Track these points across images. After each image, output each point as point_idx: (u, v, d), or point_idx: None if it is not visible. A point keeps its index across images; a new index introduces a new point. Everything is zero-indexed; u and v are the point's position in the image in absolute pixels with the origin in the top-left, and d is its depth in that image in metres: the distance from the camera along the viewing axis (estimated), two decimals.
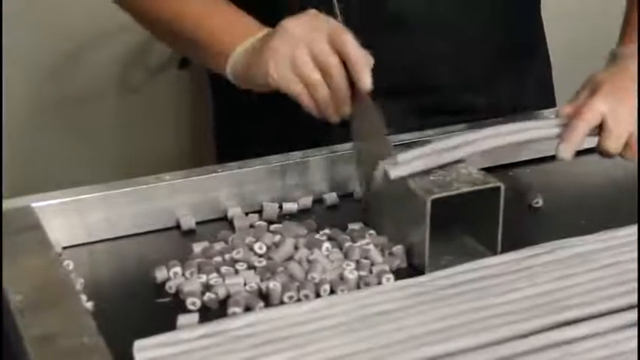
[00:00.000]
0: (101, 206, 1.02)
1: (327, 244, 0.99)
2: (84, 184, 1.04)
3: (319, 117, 1.04)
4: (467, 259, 0.97)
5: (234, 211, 1.07)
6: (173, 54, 1.64)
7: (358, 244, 0.99)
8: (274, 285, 0.92)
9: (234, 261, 0.97)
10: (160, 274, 0.96)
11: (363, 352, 0.84)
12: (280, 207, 1.08)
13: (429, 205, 0.94)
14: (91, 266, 1.00)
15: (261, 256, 0.98)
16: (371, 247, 0.98)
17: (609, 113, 1.04)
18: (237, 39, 1.09)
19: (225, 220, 1.07)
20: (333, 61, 1.00)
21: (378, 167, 1.01)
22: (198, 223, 1.06)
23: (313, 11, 1.04)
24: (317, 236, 1.01)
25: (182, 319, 0.89)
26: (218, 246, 1.00)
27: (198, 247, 1.00)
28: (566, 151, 1.03)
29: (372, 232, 1.01)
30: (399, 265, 0.98)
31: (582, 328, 0.86)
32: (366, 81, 1.00)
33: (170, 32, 1.17)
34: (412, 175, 0.98)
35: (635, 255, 0.97)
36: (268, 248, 0.99)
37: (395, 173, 0.98)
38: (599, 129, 1.04)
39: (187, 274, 0.95)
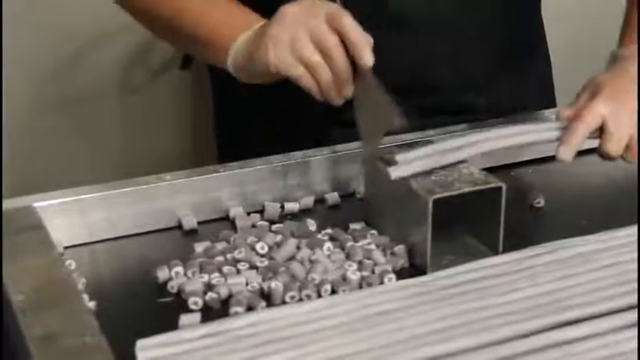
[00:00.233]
0: (103, 206, 1.02)
1: (328, 244, 0.99)
2: (85, 185, 1.04)
3: (322, 99, 1.03)
4: (468, 259, 0.97)
5: (236, 211, 1.07)
6: (175, 54, 1.64)
7: (360, 244, 0.99)
8: (276, 285, 0.92)
9: (236, 261, 0.97)
10: (162, 273, 0.96)
11: (364, 351, 0.84)
12: (282, 207, 1.08)
13: (430, 205, 0.94)
14: (92, 266, 1.00)
15: (262, 255, 0.98)
16: (373, 247, 0.99)
17: (610, 116, 1.04)
18: (237, 31, 1.08)
19: (226, 220, 1.07)
20: (333, 42, 1.00)
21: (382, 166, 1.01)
22: (199, 223, 1.06)
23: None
24: (319, 236, 1.01)
25: (184, 319, 0.89)
26: (220, 246, 1.00)
27: (200, 247, 1.00)
28: (566, 154, 1.03)
29: (373, 232, 1.02)
30: (403, 265, 0.98)
31: (583, 328, 0.86)
32: (367, 59, 1.00)
33: (170, 29, 1.17)
34: (414, 175, 0.99)
35: (636, 255, 0.97)
36: (270, 248, 0.99)
37: (396, 174, 0.99)
38: (600, 132, 1.04)
39: (189, 273, 0.95)
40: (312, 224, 1.03)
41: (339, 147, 1.12)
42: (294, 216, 1.08)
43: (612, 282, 0.92)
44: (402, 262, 0.98)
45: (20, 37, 1.62)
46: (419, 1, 1.20)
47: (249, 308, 0.91)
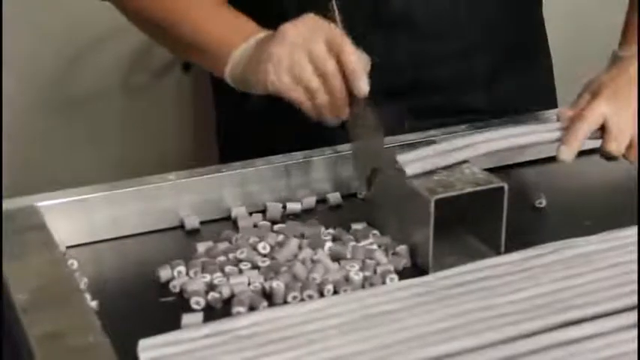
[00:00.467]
0: (105, 206, 1.02)
1: (330, 244, 0.99)
2: (87, 185, 1.04)
3: (318, 121, 1.05)
4: (470, 259, 0.97)
5: (238, 211, 1.07)
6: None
7: (362, 244, 0.99)
8: (278, 285, 0.92)
9: (238, 260, 0.97)
10: (164, 273, 0.96)
11: (366, 351, 0.84)
12: (284, 207, 1.08)
13: (432, 205, 0.94)
14: (95, 265, 1.00)
15: (265, 255, 0.98)
16: (375, 247, 0.99)
17: (611, 116, 1.04)
18: (235, 43, 1.09)
19: (229, 220, 1.07)
20: (331, 68, 1.01)
21: (380, 167, 1.01)
22: (202, 223, 1.06)
23: (311, 15, 1.04)
24: (321, 236, 1.01)
25: (186, 319, 0.89)
26: (222, 246, 1.00)
27: (202, 247, 1.00)
28: (566, 154, 1.03)
29: (375, 232, 1.02)
30: (405, 265, 0.98)
31: (586, 328, 0.86)
32: (362, 88, 1.01)
33: (169, 37, 1.17)
34: (416, 176, 0.99)
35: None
36: (272, 248, 0.99)
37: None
38: (601, 132, 1.04)
39: (191, 273, 0.95)
40: (314, 224, 1.03)
41: (340, 147, 1.12)
42: (297, 216, 1.08)
43: (615, 282, 0.92)
44: (404, 262, 0.98)
45: (21, 37, 1.62)
46: (421, 2, 1.20)
47: (251, 308, 0.91)
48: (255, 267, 0.96)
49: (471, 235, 1.02)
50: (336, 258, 0.97)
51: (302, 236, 1.01)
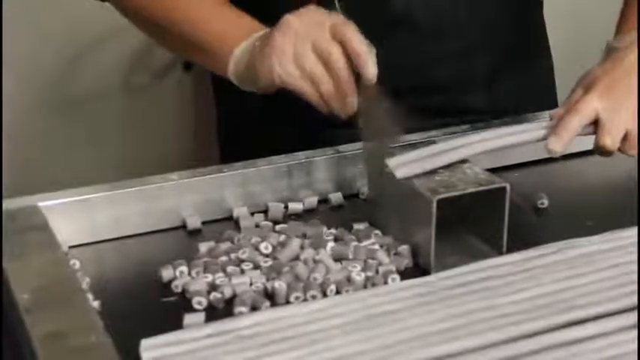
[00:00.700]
0: (107, 206, 1.02)
1: (332, 244, 0.99)
2: (88, 186, 1.04)
3: (326, 112, 1.04)
4: (472, 260, 0.97)
5: (240, 211, 1.07)
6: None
7: (364, 244, 0.99)
8: (280, 285, 0.92)
9: (240, 261, 0.97)
10: (166, 273, 0.96)
11: (369, 351, 0.84)
12: (286, 207, 1.08)
13: (434, 205, 0.94)
14: (97, 265, 1.00)
15: (266, 255, 0.98)
16: (377, 247, 0.99)
17: (604, 110, 1.02)
18: (237, 40, 1.09)
19: (230, 220, 1.07)
20: (335, 54, 1.00)
21: (386, 167, 1.01)
22: (203, 223, 1.06)
23: (313, 6, 1.04)
24: (322, 236, 1.01)
25: (188, 319, 0.89)
26: (224, 246, 1.00)
27: (204, 247, 1.00)
28: (554, 144, 1.01)
29: (377, 232, 1.02)
30: (407, 265, 0.98)
31: (589, 328, 0.86)
32: (370, 71, 1.00)
33: (170, 36, 1.17)
34: (417, 175, 0.99)
35: None
36: (274, 248, 0.99)
37: (400, 173, 0.98)
38: (595, 127, 1.03)
39: (193, 273, 0.95)
40: (316, 224, 1.03)
41: (342, 147, 1.12)
42: (298, 216, 1.08)
43: (618, 282, 0.92)
44: (406, 262, 0.98)
45: (21, 37, 1.62)
46: (421, 2, 1.21)
47: (253, 308, 0.91)
48: (257, 267, 0.96)
49: (473, 235, 1.02)
50: (338, 258, 0.97)
51: (304, 236, 1.01)
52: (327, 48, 1.00)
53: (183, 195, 1.05)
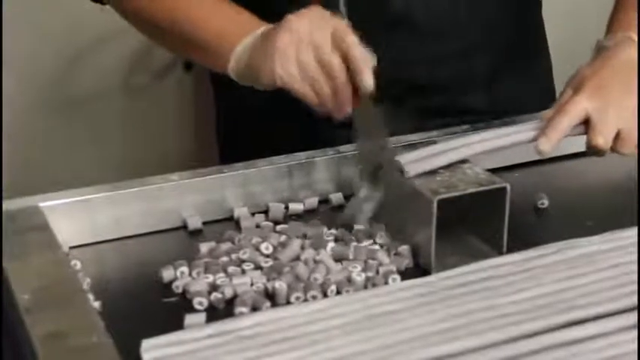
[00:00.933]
0: (108, 206, 1.02)
1: (333, 245, 0.99)
2: (88, 186, 1.04)
3: (323, 114, 1.04)
4: (473, 260, 0.97)
5: (241, 212, 1.07)
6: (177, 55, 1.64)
7: (364, 244, 0.99)
8: (280, 285, 0.92)
9: (241, 261, 0.97)
10: (167, 273, 0.96)
11: (369, 351, 0.84)
12: (286, 207, 1.08)
13: (435, 205, 0.94)
14: (98, 266, 1.00)
15: (267, 256, 0.98)
16: (377, 247, 0.99)
17: (594, 110, 1.02)
18: (238, 37, 1.09)
19: (231, 221, 1.07)
20: (335, 62, 1.01)
21: (384, 167, 1.01)
22: (204, 223, 1.06)
23: (316, 7, 1.04)
24: (323, 236, 1.01)
25: (189, 319, 0.89)
26: (224, 246, 1.00)
27: (204, 247, 1.00)
28: (544, 145, 1.00)
29: (381, 232, 1.01)
30: (407, 265, 0.98)
31: (589, 328, 0.86)
32: (367, 82, 1.01)
33: (170, 36, 1.17)
34: (418, 176, 0.99)
35: None
36: (274, 248, 0.99)
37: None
38: (586, 127, 1.02)
39: (194, 273, 0.95)
40: (316, 224, 1.03)
41: (343, 148, 1.12)
42: (299, 216, 1.08)
43: (618, 282, 0.92)
44: (407, 262, 0.98)
45: (21, 37, 1.62)
46: (421, 2, 1.21)
47: (254, 308, 0.91)
48: (257, 267, 0.97)
49: (474, 235, 1.02)
50: (339, 258, 0.98)
51: (304, 237, 1.01)
52: (330, 60, 1.01)
53: (184, 195, 1.05)
